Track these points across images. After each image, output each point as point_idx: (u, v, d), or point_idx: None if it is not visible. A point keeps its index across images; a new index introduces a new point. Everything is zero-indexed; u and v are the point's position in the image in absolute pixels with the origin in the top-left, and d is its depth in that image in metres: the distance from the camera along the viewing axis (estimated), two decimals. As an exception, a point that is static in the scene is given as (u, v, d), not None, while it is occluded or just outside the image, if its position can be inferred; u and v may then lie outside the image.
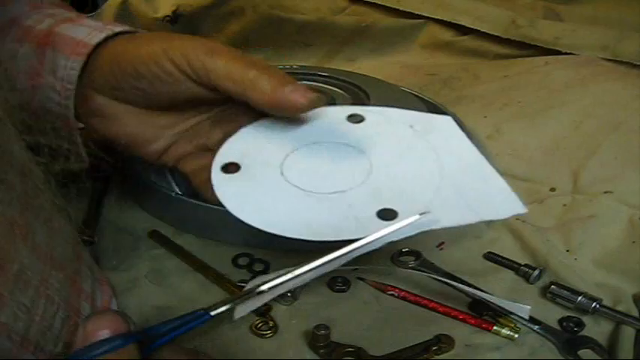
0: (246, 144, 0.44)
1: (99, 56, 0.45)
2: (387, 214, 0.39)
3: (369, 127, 0.46)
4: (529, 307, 0.43)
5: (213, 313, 0.35)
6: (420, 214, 0.37)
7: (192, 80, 0.43)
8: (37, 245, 0.36)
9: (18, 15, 0.47)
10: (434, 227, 0.38)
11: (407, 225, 0.37)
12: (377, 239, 0.36)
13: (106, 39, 0.45)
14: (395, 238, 0.37)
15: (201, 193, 0.45)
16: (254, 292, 0.36)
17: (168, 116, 0.47)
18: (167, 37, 0.44)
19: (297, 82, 0.42)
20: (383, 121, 0.46)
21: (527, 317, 0.44)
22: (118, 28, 0.46)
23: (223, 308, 0.35)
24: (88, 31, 0.45)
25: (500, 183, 0.40)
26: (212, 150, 0.45)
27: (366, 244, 0.36)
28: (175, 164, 0.48)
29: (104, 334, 0.30)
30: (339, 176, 0.42)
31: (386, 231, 0.36)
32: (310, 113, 0.45)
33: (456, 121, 0.69)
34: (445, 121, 0.46)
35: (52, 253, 0.37)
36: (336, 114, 0.46)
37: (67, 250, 0.40)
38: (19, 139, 0.37)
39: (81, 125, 0.47)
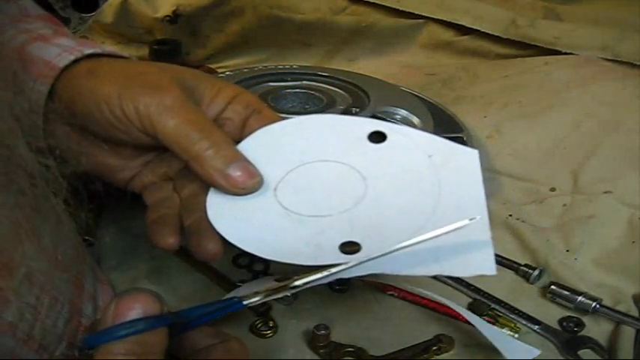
0: (259, 150, 0.43)
1: (62, 83, 0.43)
2: (349, 248, 0.38)
3: (385, 149, 0.43)
4: (539, 350, 0.41)
5: (245, 303, 0.35)
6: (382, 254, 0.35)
7: (142, 132, 0.42)
8: (43, 248, 0.36)
9: None
10: (388, 273, 0.36)
11: (355, 265, 0.36)
12: (334, 272, 0.36)
13: (75, 61, 0.43)
14: (358, 274, 0.36)
15: (148, 231, 0.43)
16: (287, 287, 0.36)
17: (131, 148, 0.46)
18: (126, 78, 0.43)
19: (244, 159, 0.41)
20: (402, 146, 0.43)
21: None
22: (89, 50, 0.44)
23: (256, 299, 0.36)
24: (58, 52, 0.43)
25: (485, 238, 0.38)
26: (173, 179, 0.46)
27: (330, 274, 0.36)
28: (141, 192, 0.47)
29: (135, 313, 0.30)
30: (329, 200, 0.41)
31: (344, 266, 0.36)
32: (334, 124, 0.45)
33: (457, 122, 0.68)
34: (468, 156, 0.42)
35: (58, 255, 0.37)
36: (360, 128, 0.44)
37: (72, 251, 0.40)
38: (28, 143, 0.37)
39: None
